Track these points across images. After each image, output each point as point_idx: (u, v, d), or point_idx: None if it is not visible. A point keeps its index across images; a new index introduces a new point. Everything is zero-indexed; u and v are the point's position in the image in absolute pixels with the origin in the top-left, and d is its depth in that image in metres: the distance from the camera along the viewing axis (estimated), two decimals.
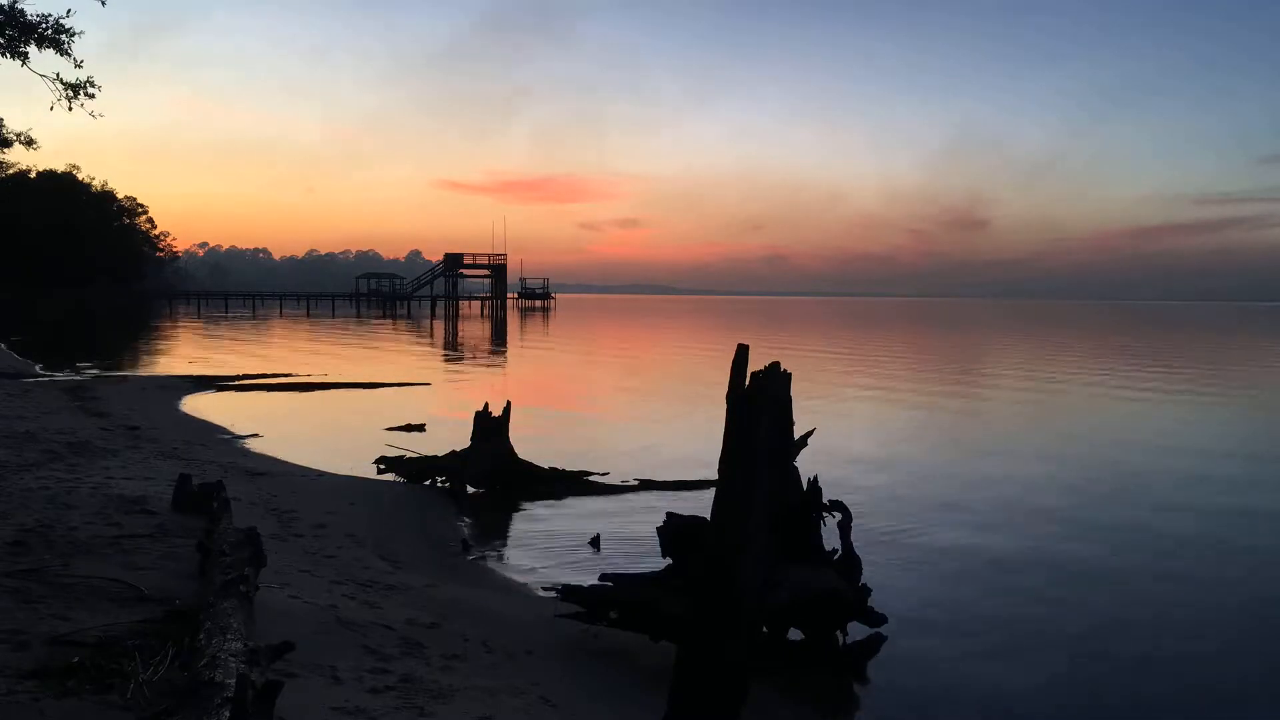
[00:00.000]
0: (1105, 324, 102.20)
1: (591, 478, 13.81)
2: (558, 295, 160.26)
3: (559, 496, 13.08)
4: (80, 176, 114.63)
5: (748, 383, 4.88)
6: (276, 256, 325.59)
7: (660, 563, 7.41)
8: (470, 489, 13.33)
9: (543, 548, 10.63)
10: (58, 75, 16.54)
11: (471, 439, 13.57)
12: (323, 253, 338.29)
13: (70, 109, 16.53)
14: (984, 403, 25.58)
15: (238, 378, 27.60)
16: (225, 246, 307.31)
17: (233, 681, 3.99)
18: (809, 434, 7.17)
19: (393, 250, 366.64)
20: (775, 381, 5.11)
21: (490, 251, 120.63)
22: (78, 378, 26.08)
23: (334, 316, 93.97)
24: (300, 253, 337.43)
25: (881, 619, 7.50)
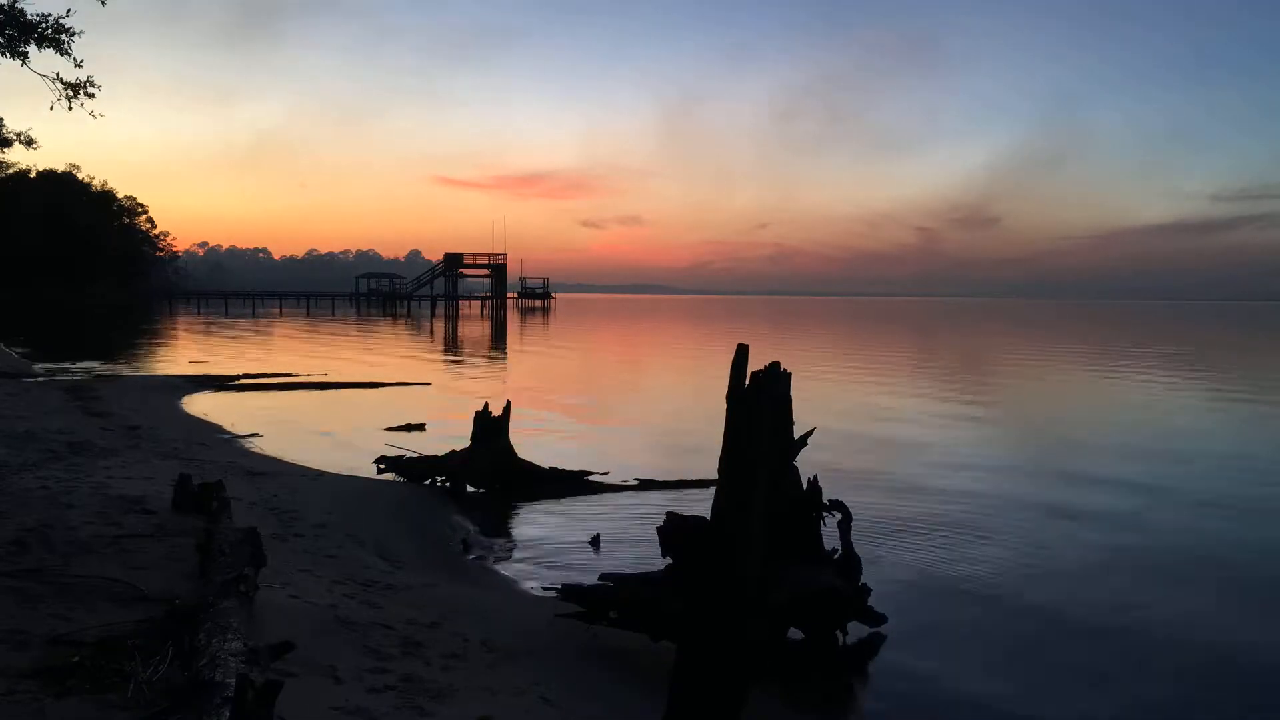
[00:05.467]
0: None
1: (591, 478, 13.81)
2: (558, 295, 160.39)
3: (559, 496, 13.08)
4: (80, 176, 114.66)
5: (748, 382, 4.88)
6: (276, 256, 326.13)
7: (660, 563, 7.41)
8: (470, 489, 13.34)
9: (543, 547, 10.63)
10: (58, 75, 16.53)
11: (471, 439, 13.58)
12: (323, 253, 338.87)
13: (70, 109, 16.53)
14: (990, 402, 25.57)
15: (238, 378, 27.60)
16: (225, 246, 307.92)
17: (232, 681, 4.00)
18: (809, 433, 7.17)
19: (392, 250, 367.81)
20: (775, 381, 5.10)
21: (490, 251, 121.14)
22: (78, 378, 26.08)
23: (334, 316, 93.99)
24: (300, 253, 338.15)
25: (881, 618, 7.51)
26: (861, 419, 21.50)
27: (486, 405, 13.85)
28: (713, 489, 5.02)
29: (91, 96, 16.79)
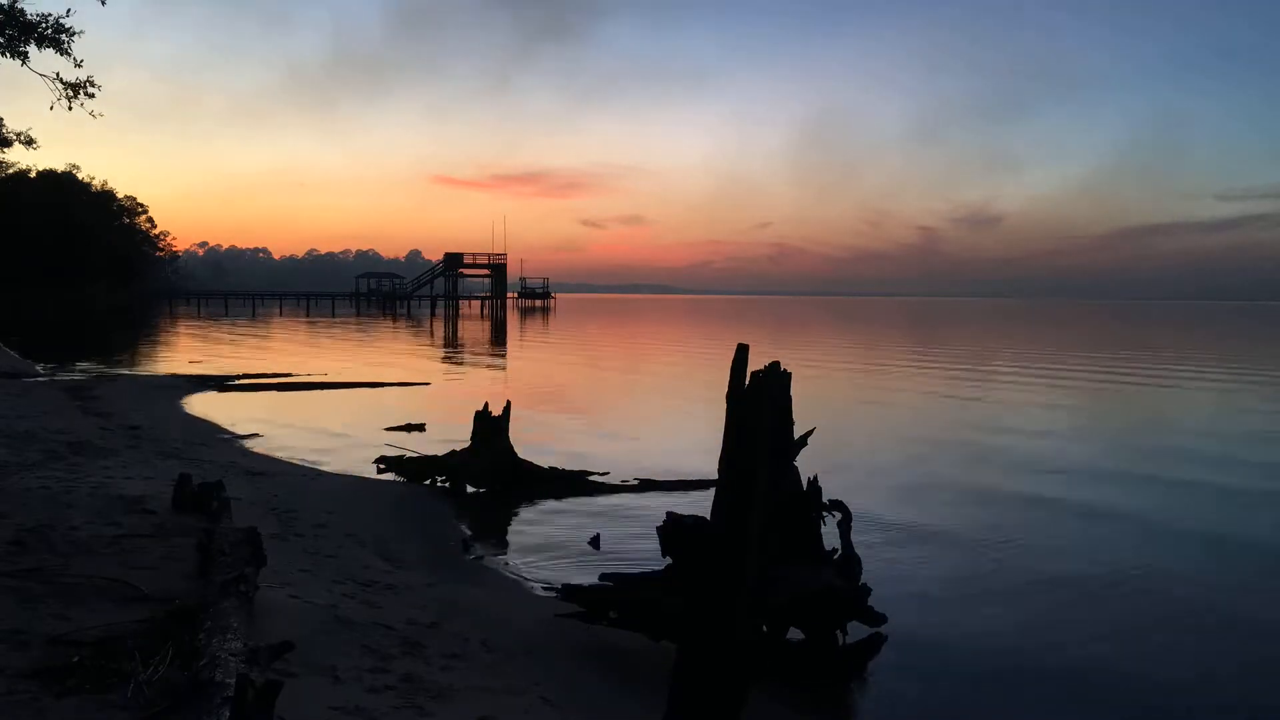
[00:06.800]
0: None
1: (591, 477, 13.80)
2: (558, 295, 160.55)
3: (559, 496, 13.08)
4: (80, 176, 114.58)
5: (747, 382, 4.88)
6: (276, 256, 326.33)
7: (660, 563, 7.41)
8: (470, 489, 13.34)
9: (543, 547, 10.63)
10: (58, 75, 16.54)
11: (471, 439, 13.58)
12: (323, 252, 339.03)
13: (70, 109, 16.54)
14: (990, 402, 25.56)
15: (238, 378, 27.60)
16: (225, 246, 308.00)
17: (232, 681, 4.00)
18: (809, 433, 7.15)
19: (392, 250, 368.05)
20: (775, 381, 5.10)
21: (490, 251, 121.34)
22: (78, 378, 26.07)
23: (334, 316, 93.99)
24: (300, 253, 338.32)
25: (881, 618, 7.49)
26: (862, 419, 21.50)
27: (486, 405, 13.85)
28: (713, 489, 5.02)
29: (91, 96, 16.80)
